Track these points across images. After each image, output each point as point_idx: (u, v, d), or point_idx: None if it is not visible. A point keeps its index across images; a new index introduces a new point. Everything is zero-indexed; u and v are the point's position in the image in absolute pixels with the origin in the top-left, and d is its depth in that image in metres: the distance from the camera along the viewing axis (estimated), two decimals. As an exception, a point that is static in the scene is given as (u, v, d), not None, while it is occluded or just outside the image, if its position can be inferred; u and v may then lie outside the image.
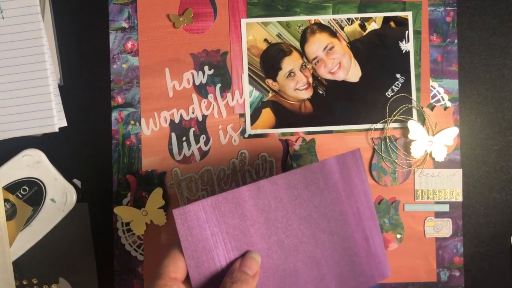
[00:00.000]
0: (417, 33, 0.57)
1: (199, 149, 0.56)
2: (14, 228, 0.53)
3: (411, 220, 0.56)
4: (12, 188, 0.54)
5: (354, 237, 0.46)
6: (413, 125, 0.55)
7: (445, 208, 0.56)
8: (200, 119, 0.56)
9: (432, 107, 0.56)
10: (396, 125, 0.57)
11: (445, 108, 0.56)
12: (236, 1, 0.57)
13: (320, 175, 0.45)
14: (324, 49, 0.57)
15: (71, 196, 0.54)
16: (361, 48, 0.57)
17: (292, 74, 0.57)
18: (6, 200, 0.53)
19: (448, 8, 0.57)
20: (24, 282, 0.55)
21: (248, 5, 0.56)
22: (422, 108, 0.56)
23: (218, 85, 0.56)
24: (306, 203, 0.44)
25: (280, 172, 0.56)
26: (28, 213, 0.53)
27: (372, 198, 0.49)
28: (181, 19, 0.56)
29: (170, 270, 0.39)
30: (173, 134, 0.56)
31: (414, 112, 0.57)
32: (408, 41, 0.57)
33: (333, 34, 0.57)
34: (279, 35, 0.57)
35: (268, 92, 0.57)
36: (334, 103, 0.57)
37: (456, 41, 0.57)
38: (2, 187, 0.54)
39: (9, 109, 0.54)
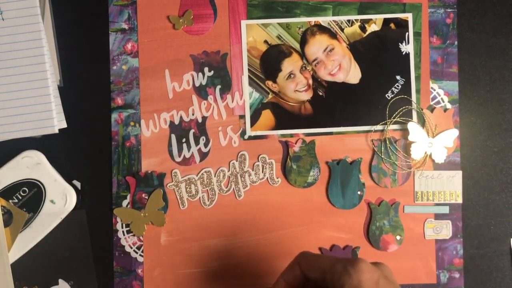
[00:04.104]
0: (417, 34, 0.57)
1: (199, 150, 0.56)
2: (10, 235, 0.53)
3: (410, 221, 0.56)
4: (11, 189, 0.54)
5: None
6: (413, 126, 0.55)
7: (445, 210, 0.56)
8: (200, 120, 0.56)
9: (432, 109, 0.56)
10: (396, 126, 0.57)
11: (445, 109, 0.56)
12: (236, 3, 0.56)
13: None
14: (324, 50, 0.57)
15: (71, 197, 0.54)
16: (361, 49, 0.57)
17: (292, 76, 0.57)
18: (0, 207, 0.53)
19: (448, 10, 0.57)
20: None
21: (248, 7, 0.56)
22: (422, 109, 0.56)
23: (218, 87, 0.56)
24: None
25: (280, 174, 0.56)
26: (24, 219, 0.53)
27: None
28: (181, 20, 0.56)
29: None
30: (173, 136, 0.56)
31: (414, 113, 0.57)
32: (408, 42, 0.57)
33: (333, 35, 0.57)
34: (279, 37, 0.57)
35: (268, 93, 0.57)
36: (334, 105, 0.57)
37: (456, 42, 0.57)
38: (1, 189, 0.54)
39: (8, 110, 0.54)
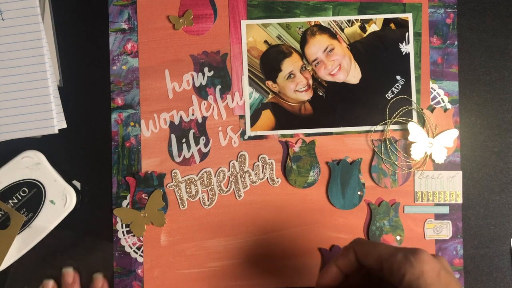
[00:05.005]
0: (417, 35, 0.57)
1: (199, 150, 0.56)
2: (7, 238, 0.53)
3: (411, 222, 0.56)
4: (11, 190, 0.54)
5: None
6: (413, 127, 0.55)
7: (445, 210, 0.56)
8: (200, 120, 0.56)
9: (432, 109, 0.56)
10: (396, 127, 0.57)
11: (445, 110, 0.56)
12: (236, 3, 0.56)
13: None
14: (324, 50, 0.57)
15: (71, 197, 0.54)
16: (361, 49, 0.57)
17: (292, 76, 0.57)
18: (-3, 209, 0.53)
19: (448, 10, 0.57)
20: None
21: (248, 7, 0.56)
22: (422, 110, 0.56)
23: (218, 87, 0.56)
24: None
25: (280, 174, 0.56)
26: (21, 221, 0.53)
27: None
28: (181, 20, 0.56)
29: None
30: (172, 136, 0.56)
31: (414, 114, 0.57)
32: (408, 43, 0.57)
33: (333, 35, 0.57)
34: (279, 37, 0.57)
35: (268, 93, 0.57)
36: (334, 105, 0.57)
37: (456, 43, 0.57)
38: (1, 189, 0.54)
39: (8, 110, 0.54)
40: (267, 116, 0.57)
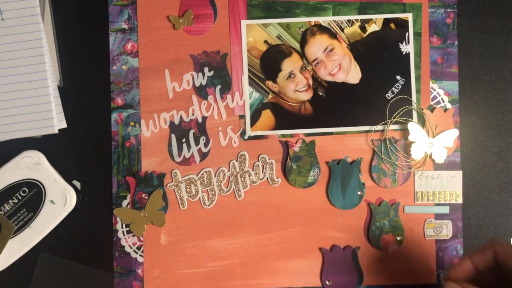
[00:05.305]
0: (417, 34, 0.57)
1: (199, 150, 0.56)
2: None
3: (411, 222, 0.56)
4: (11, 189, 0.54)
5: None
6: (413, 127, 0.55)
7: (445, 210, 0.56)
8: (200, 120, 0.56)
9: (432, 109, 0.56)
10: (396, 126, 0.57)
11: (445, 109, 0.56)
12: (236, 3, 0.56)
13: None
14: (324, 50, 0.57)
15: (71, 197, 0.54)
16: (361, 49, 0.57)
17: (292, 76, 0.57)
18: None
19: (448, 10, 0.57)
20: None
21: (248, 7, 0.56)
22: (422, 109, 0.56)
23: (218, 87, 0.56)
24: None
25: (280, 174, 0.56)
26: (11, 231, 0.53)
27: None
28: (181, 20, 0.56)
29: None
30: (173, 136, 0.56)
31: (414, 113, 0.57)
32: (408, 42, 0.57)
33: (333, 35, 0.57)
34: (279, 37, 0.57)
35: (268, 93, 0.57)
36: (334, 105, 0.57)
37: (456, 42, 0.57)
38: (1, 189, 0.54)
39: (8, 110, 0.54)
40: (267, 116, 0.57)
